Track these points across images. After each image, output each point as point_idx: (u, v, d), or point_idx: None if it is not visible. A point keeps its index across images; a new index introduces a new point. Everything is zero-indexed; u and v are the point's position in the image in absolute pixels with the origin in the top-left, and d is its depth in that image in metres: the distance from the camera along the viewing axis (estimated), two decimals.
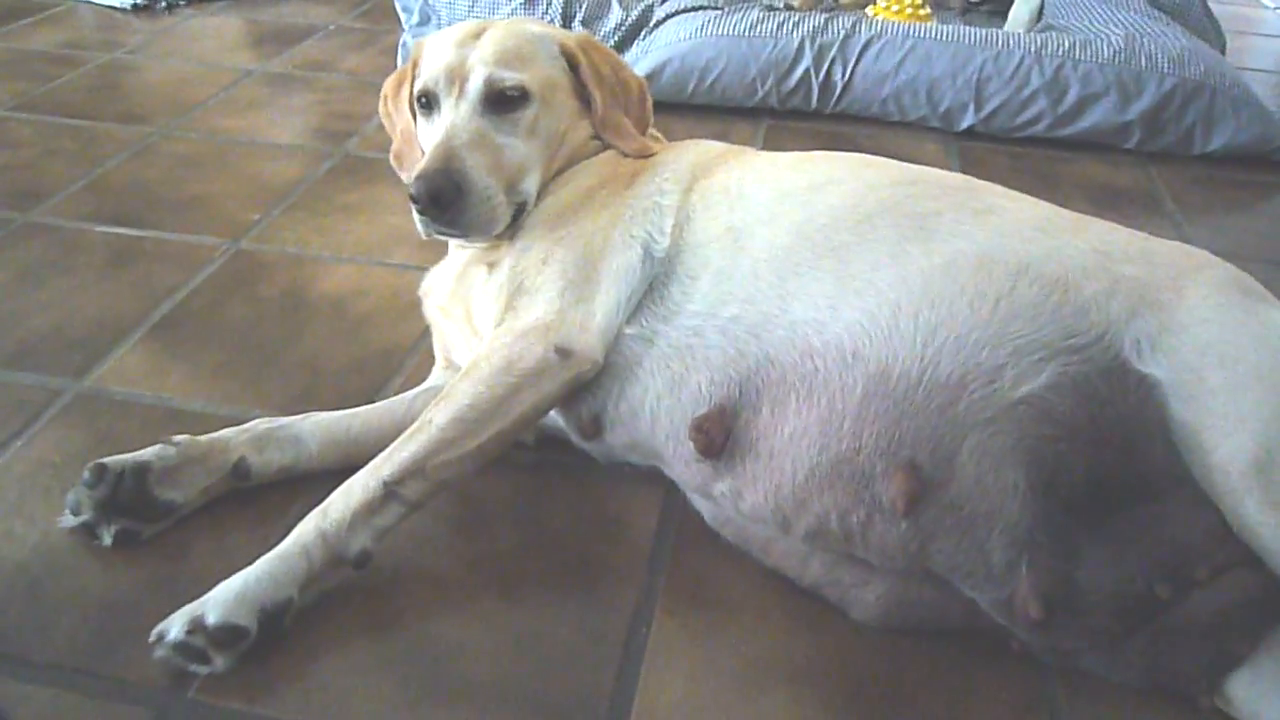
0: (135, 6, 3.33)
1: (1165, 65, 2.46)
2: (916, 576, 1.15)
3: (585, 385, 1.24)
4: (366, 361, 1.63)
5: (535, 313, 1.23)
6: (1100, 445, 1.07)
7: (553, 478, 1.40)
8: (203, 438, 1.31)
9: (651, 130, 1.53)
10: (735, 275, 1.22)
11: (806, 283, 1.18)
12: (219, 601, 1.09)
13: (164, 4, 3.37)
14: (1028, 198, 1.30)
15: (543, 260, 1.28)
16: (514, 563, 1.26)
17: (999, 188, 1.32)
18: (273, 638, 1.11)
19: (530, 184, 1.35)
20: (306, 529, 1.14)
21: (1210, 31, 2.85)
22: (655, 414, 1.22)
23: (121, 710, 1.05)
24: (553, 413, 1.27)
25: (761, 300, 1.19)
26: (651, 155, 1.41)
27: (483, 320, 1.33)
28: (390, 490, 1.15)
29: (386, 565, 1.23)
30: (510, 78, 1.32)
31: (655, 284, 1.27)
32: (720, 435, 1.16)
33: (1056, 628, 1.08)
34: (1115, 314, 1.11)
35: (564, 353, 1.20)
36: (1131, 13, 2.69)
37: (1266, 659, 1.07)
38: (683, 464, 1.21)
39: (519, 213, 1.34)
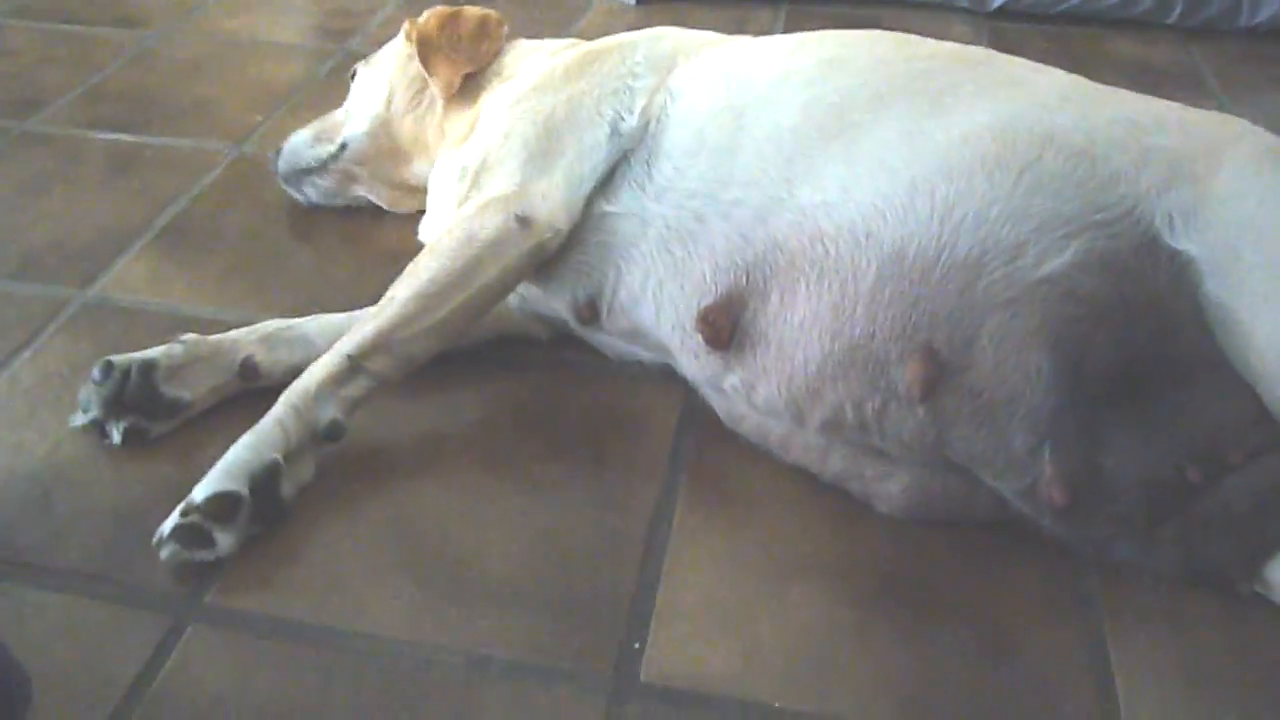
0: None
1: None
2: (940, 467, 1.11)
3: (569, 263, 1.24)
4: (374, 264, 1.58)
5: (497, 186, 1.23)
6: (1129, 327, 1.01)
7: (569, 377, 1.37)
8: (211, 337, 1.29)
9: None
10: (737, 156, 1.17)
11: (815, 164, 1.12)
12: (205, 481, 1.09)
13: None
14: (1054, 69, 1.22)
15: (504, 135, 1.28)
16: (532, 463, 1.24)
17: (1023, 60, 1.24)
18: (272, 510, 1.10)
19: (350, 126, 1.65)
20: (279, 404, 1.16)
21: None
22: (659, 302, 1.19)
23: (138, 616, 1.04)
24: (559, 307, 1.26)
25: (766, 183, 1.14)
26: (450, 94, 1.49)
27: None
28: (355, 364, 1.16)
29: (402, 467, 1.22)
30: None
31: (637, 160, 1.23)
32: (727, 326, 1.12)
33: (1083, 515, 1.04)
34: (1146, 186, 1.04)
35: (524, 221, 1.19)
36: None
37: None
38: (691, 357, 1.18)
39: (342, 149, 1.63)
